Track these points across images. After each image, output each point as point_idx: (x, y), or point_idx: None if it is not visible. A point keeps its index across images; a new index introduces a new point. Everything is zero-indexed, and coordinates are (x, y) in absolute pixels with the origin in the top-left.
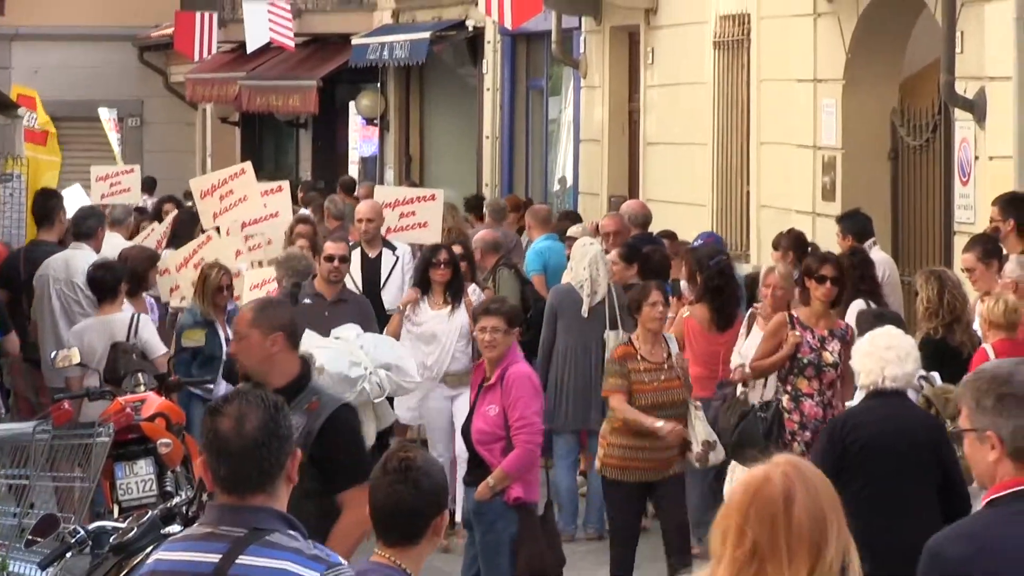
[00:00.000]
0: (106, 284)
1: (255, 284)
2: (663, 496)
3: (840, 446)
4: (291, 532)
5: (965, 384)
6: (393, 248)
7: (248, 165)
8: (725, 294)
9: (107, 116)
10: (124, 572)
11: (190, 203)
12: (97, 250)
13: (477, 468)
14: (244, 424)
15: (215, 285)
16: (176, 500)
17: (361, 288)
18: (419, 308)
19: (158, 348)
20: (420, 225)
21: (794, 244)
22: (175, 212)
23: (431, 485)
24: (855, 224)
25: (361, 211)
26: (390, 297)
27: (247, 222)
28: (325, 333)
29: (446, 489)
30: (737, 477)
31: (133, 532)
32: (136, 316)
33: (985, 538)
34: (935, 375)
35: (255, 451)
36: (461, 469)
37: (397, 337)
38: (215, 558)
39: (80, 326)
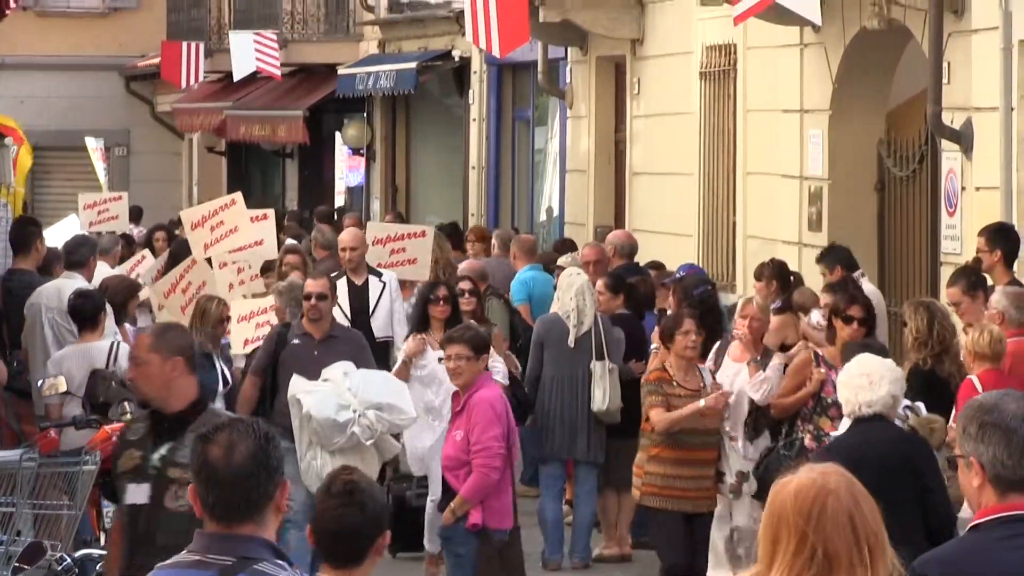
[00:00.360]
0: (86, 312)
1: (242, 316)
2: (696, 532)
3: None
4: (278, 561)
5: (963, 411)
6: (379, 275)
7: (238, 196)
8: (707, 324)
9: (94, 145)
10: None
11: (178, 231)
12: (89, 279)
13: (447, 494)
14: (234, 453)
15: (216, 318)
16: None
17: (350, 317)
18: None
19: None
20: (410, 261)
21: (776, 274)
22: (167, 249)
23: (375, 507)
24: (839, 256)
25: (343, 240)
26: (379, 324)
27: (234, 250)
28: (315, 374)
29: (388, 509)
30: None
31: None
32: (116, 343)
33: (967, 563)
34: (920, 405)
35: (244, 481)
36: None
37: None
38: None
39: (59, 354)
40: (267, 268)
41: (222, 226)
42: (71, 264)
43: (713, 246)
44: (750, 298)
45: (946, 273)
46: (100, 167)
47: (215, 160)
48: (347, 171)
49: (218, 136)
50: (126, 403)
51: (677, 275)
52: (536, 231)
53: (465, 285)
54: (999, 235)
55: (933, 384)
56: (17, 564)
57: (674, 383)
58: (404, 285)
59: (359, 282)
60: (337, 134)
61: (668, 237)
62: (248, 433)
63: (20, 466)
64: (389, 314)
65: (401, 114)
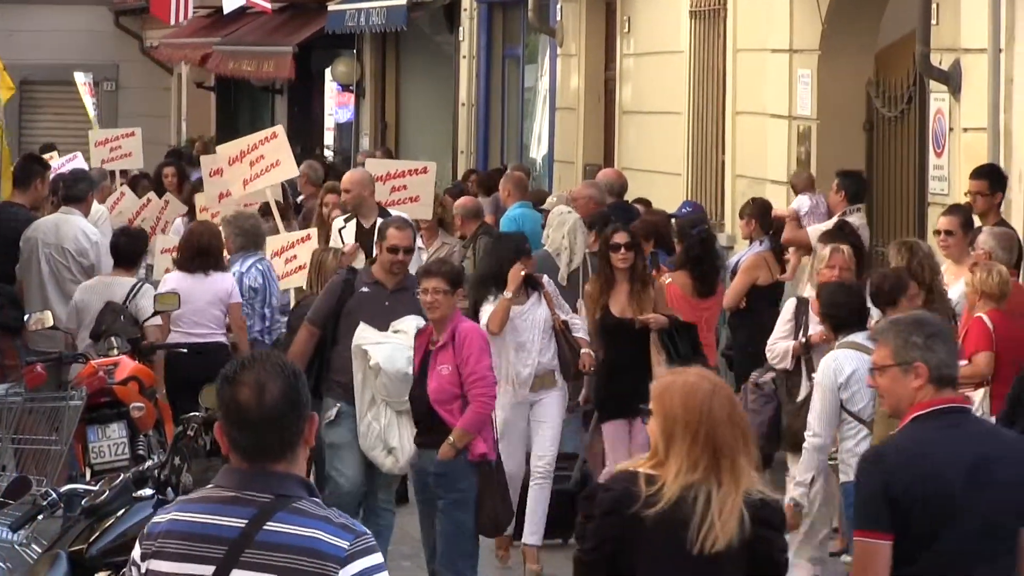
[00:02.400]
0: (125, 252)
1: (275, 251)
2: None
3: None
4: (315, 499)
5: (888, 327)
6: (387, 216)
7: (280, 129)
8: (706, 263)
9: (82, 80)
10: (96, 534)
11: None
12: (86, 214)
13: (431, 430)
14: (264, 394)
15: (332, 270)
16: (148, 464)
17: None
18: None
19: (148, 313)
20: (412, 199)
21: (759, 212)
22: (176, 186)
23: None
24: (853, 184)
25: (343, 181)
26: None
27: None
28: (385, 325)
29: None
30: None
31: (105, 495)
32: (141, 282)
33: (917, 447)
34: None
35: (277, 421)
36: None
37: (503, 324)
38: (240, 523)
39: (87, 283)
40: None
41: (262, 160)
42: (69, 199)
43: (702, 185)
44: (837, 246)
45: (933, 213)
46: (89, 102)
47: (204, 95)
48: (336, 108)
49: (207, 71)
50: (113, 338)
51: (681, 212)
52: (526, 168)
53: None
54: (997, 176)
55: None
56: (2, 499)
57: None
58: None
59: (367, 224)
60: (327, 71)
61: (657, 176)
62: (276, 372)
63: (5, 401)
64: None
65: (391, 51)
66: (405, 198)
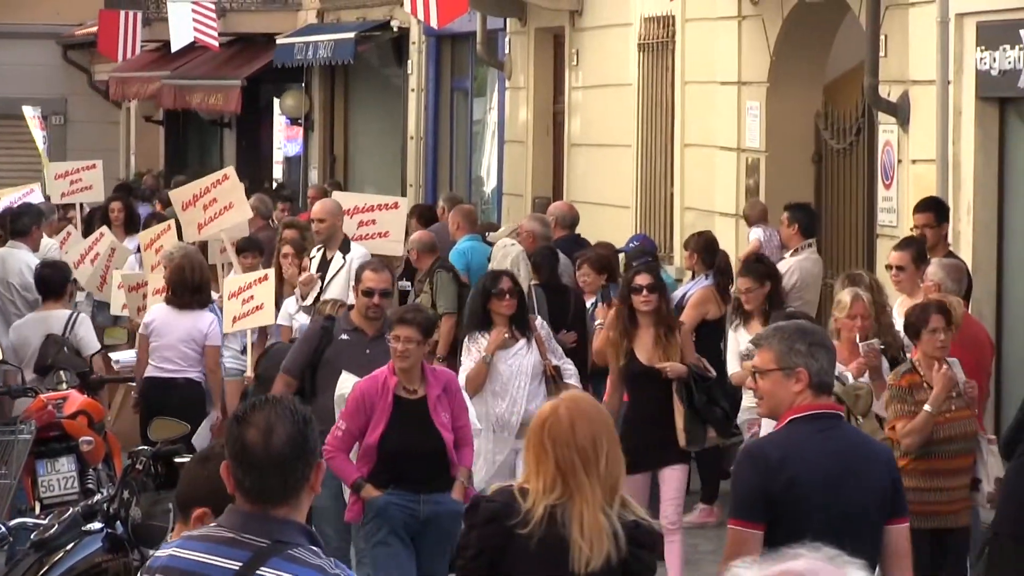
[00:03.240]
0: (52, 282)
1: (232, 292)
2: (950, 551)
3: None
4: (313, 548)
5: (772, 334)
6: (347, 251)
7: (231, 170)
8: None
9: (31, 114)
10: (45, 568)
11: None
12: (34, 249)
13: (440, 475)
14: (272, 437)
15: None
16: (98, 497)
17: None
18: (479, 345)
19: (92, 345)
20: (381, 235)
21: (702, 247)
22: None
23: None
24: (805, 218)
25: (313, 211)
26: (329, 296)
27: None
28: (366, 374)
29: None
30: None
31: (54, 529)
32: (76, 314)
33: (794, 446)
34: (847, 374)
35: (282, 465)
36: None
37: (479, 388)
38: (235, 565)
39: (19, 321)
40: (245, 247)
41: (215, 204)
42: (15, 233)
43: (651, 218)
44: (857, 293)
45: (883, 245)
46: (39, 135)
47: (153, 129)
48: (285, 141)
49: (156, 105)
50: (62, 372)
51: (628, 246)
52: (474, 201)
53: (505, 284)
54: (941, 208)
55: None
56: None
57: (925, 387)
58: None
59: (329, 256)
60: (275, 104)
61: (606, 209)
62: (286, 415)
63: None
64: (342, 293)
65: (339, 84)
66: (374, 233)
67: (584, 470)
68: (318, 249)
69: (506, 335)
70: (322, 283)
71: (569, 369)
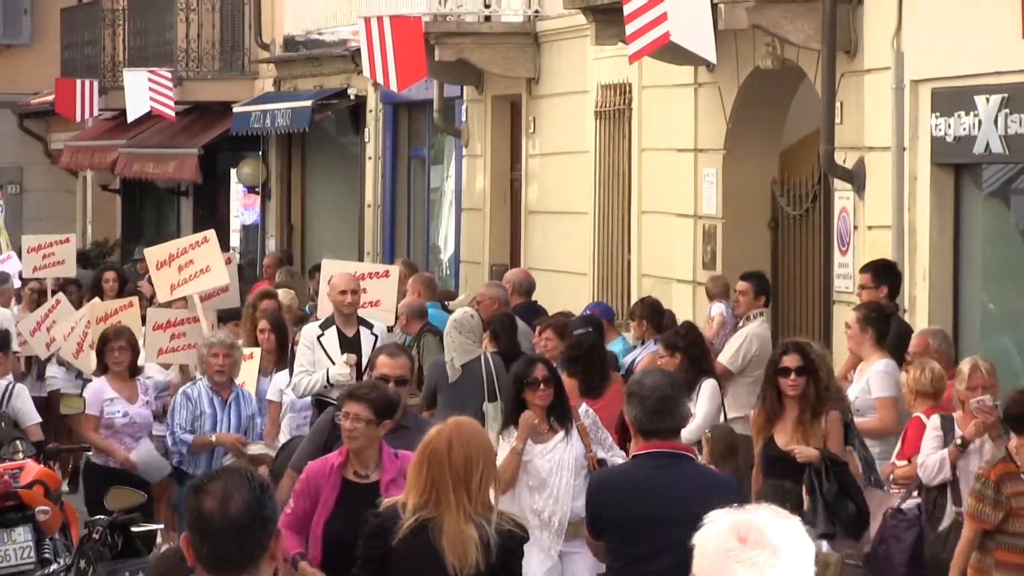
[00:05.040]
0: None
1: (159, 324)
2: None
3: None
4: None
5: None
6: (370, 325)
7: (211, 233)
8: (582, 362)
9: None
10: None
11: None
12: None
13: None
14: (229, 504)
15: None
16: (54, 567)
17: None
18: (512, 440)
19: (31, 417)
20: (372, 304)
21: (649, 313)
22: (116, 291)
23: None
24: (760, 284)
25: (339, 283)
26: None
27: (205, 296)
28: None
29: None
30: None
31: None
32: (11, 385)
33: (635, 479)
34: (821, 541)
35: (239, 532)
36: None
37: (511, 484)
38: None
39: None
40: (225, 318)
41: (191, 266)
42: None
43: (608, 285)
44: (976, 363)
45: (839, 311)
46: None
47: (110, 198)
48: (242, 209)
49: (112, 174)
50: (18, 442)
51: (585, 313)
52: (432, 269)
53: (539, 372)
54: (884, 271)
55: None
56: None
57: (1022, 476)
58: None
59: (350, 334)
60: (232, 172)
61: (564, 276)
62: (243, 483)
63: None
64: None
65: (296, 152)
66: (365, 302)
67: (454, 488)
68: (323, 326)
69: (542, 427)
70: (360, 366)
71: (618, 462)
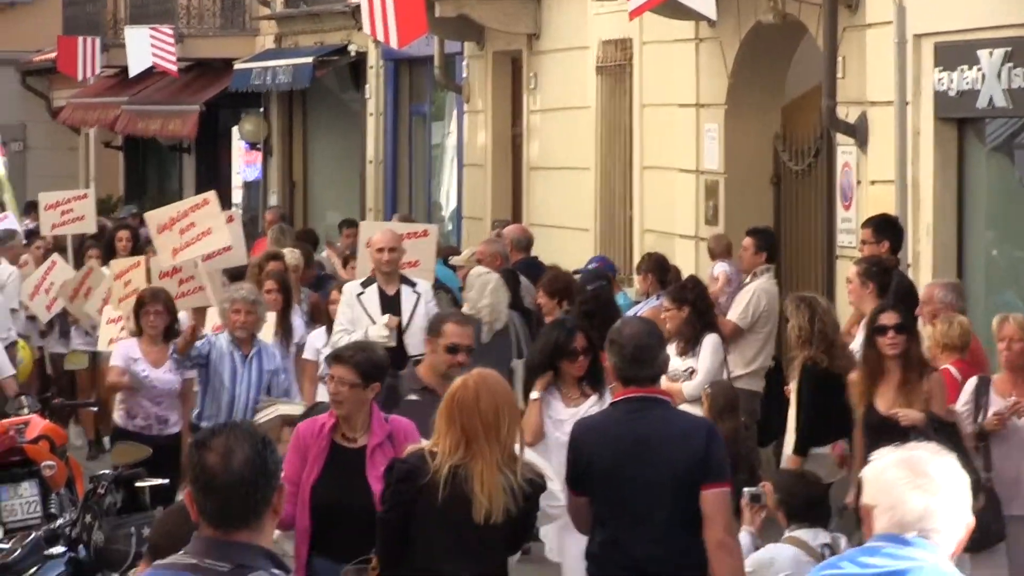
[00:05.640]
0: None
1: (111, 319)
2: None
3: None
4: (275, 571)
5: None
6: (413, 283)
7: (212, 195)
8: (597, 317)
9: None
10: None
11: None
12: None
13: (368, 543)
14: (231, 459)
15: None
16: (60, 521)
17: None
18: (546, 401)
19: (4, 370)
20: (410, 264)
21: (655, 267)
22: (129, 250)
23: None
24: (765, 241)
25: (379, 240)
26: (414, 340)
27: (207, 255)
28: None
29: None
30: None
31: (17, 553)
32: None
33: (612, 426)
34: (843, 541)
35: (242, 487)
36: None
37: (537, 436)
38: None
39: None
40: (236, 276)
41: (193, 228)
42: None
43: (611, 240)
44: (1005, 315)
45: (842, 266)
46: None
47: (112, 155)
48: (244, 166)
49: (114, 131)
50: (23, 398)
51: (586, 268)
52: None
53: (579, 343)
54: (885, 226)
55: (827, 380)
56: None
57: None
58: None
59: (391, 292)
60: (234, 129)
61: (566, 232)
62: (245, 438)
63: None
64: (424, 331)
65: (298, 109)
66: (404, 263)
67: (485, 436)
68: (364, 283)
69: (574, 392)
70: (401, 325)
71: None
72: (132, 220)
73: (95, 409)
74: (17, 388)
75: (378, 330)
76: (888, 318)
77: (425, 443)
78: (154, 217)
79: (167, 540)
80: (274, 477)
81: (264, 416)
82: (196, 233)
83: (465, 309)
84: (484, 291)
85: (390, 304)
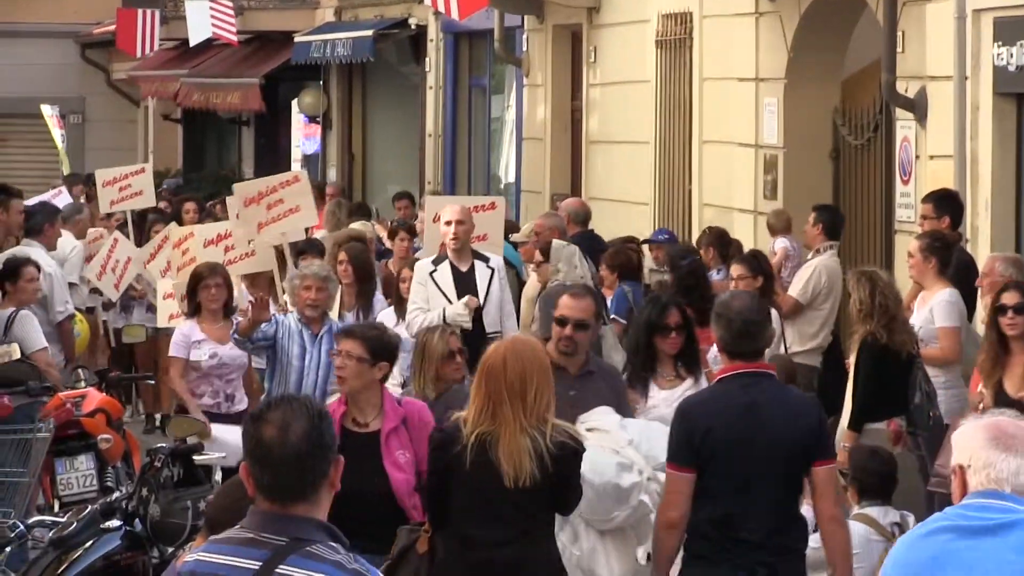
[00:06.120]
0: None
1: (168, 294)
2: None
3: None
4: (332, 544)
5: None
6: (486, 259)
7: (303, 173)
8: (696, 293)
9: (49, 113)
10: (63, 566)
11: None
12: (49, 247)
13: (384, 527)
14: (288, 433)
15: (440, 354)
16: (116, 495)
17: None
18: (646, 393)
19: (34, 343)
20: (479, 238)
21: (716, 240)
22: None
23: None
24: (831, 218)
25: (449, 213)
26: (490, 318)
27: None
28: (570, 420)
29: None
30: None
31: (73, 527)
32: (14, 312)
33: (720, 400)
34: (911, 519)
35: (298, 461)
36: None
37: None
38: (255, 565)
39: None
40: (303, 250)
41: (281, 205)
42: (28, 231)
43: (669, 214)
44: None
45: (900, 241)
46: (57, 134)
47: (171, 128)
48: (303, 139)
49: (174, 103)
50: (80, 371)
51: (657, 237)
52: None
53: (673, 318)
54: (945, 202)
55: (886, 356)
56: None
57: None
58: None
59: (464, 268)
60: (293, 102)
61: (624, 205)
62: (302, 412)
63: None
64: (500, 306)
65: (357, 82)
66: (472, 237)
67: (510, 402)
68: (435, 261)
69: (669, 373)
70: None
71: None
72: (167, 194)
73: (152, 383)
74: (50, 360)
75: (456, 310)
76: (1009, 298)
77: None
78: (242, 189)
79: (224, 514)
80: (331, 450)
81: (335, 398)
82: (284, 209)
83: (558, 279)
84: (572, 260)
85: (464, 281)
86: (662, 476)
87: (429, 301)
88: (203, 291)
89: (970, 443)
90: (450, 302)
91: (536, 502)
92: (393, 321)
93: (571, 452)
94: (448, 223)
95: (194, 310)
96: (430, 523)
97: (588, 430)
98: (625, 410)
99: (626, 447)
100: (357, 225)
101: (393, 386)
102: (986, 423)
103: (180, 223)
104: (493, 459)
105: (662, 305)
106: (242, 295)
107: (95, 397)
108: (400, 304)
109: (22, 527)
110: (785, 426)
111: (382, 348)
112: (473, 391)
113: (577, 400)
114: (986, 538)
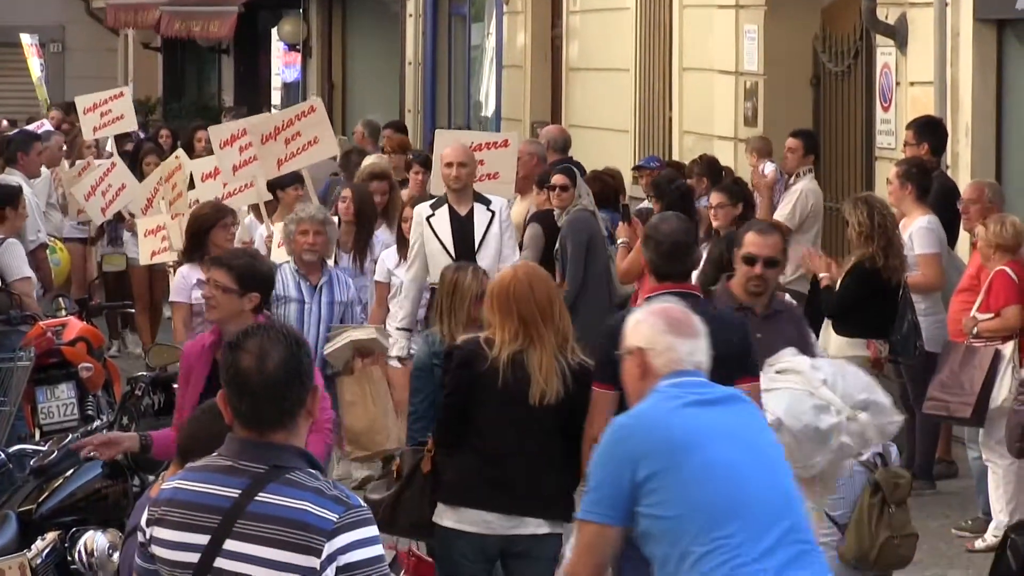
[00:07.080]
0: None
1: (149, 230)
2: None
3: None
4: (311, 471)
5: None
6: (487, 201)
7: (318, 102)
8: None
9: (28, 42)
10: (45, 494)
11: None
12: (31, 175)
13: None
14: (265, 361)
15: (473, 292)
16: (97, 423)
17: (454, 254)
18: None
19: (15, 271)
20: (490, 176)
21: (707, 169)
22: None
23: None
24: (810, 142)
25: (448, 154)
26: (487, 263)
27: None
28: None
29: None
30: None
31: (54, 455)
32: (2, 240)
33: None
34: (893, 450)
35: (276, 389)
36: None
37: None
38: (234, 493)
39: None
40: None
41: (299, 138)
42: (8, 161)
43: (649, 142)
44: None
45: (881, 168)
46: (36, 63)
47: (151, 56)
48: (283, 67)
49: (155, 32)
50: (61, 299)
51: (649, 164)
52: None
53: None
54: (926, 128)
55: (876, 281)
56: None
57: None
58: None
59: (463, 212)
60: (273, 30)
61: (604, 133)
62: (279, 340)
63: None
64: (498, 252)
65: (337, 10)
66: (483, 175)
67: (543, 321)
68: (434, 205)
69: None
70: (474, 245)
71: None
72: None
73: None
74: (31, 289)
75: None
76: None
77: (480, 335)
78: (257, 126)
79: (195, 443)
80: (308, 378)
81: (334, 344)
82: (303, 143)
83: (581, 205)
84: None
85: (461, 225)
86: (862, 416)
87: (426, 246)
88: (214, 232)
89: (648, 329)
90: (444, 247)
91: (555, 420)
92: (395, 261)
93: (587, 373)
94: (449, 164)
95: (188, 255)
96: (442, 441)
97: (778, 372)
98: (811, 350)
99: (820, 387)
100: (374, 158)
101: (398, 330)
102: (657, 309)
103: (190, 151)
104: (525, 376)
105: (728, 240)
106: (245, 229)
107: (76, 326)
108: (403, 244)
109: (3, 455)
110: (712, 343)
111: (251, 278)
112: (499, 314)
113: (764, 343)
114: (718, 407)
